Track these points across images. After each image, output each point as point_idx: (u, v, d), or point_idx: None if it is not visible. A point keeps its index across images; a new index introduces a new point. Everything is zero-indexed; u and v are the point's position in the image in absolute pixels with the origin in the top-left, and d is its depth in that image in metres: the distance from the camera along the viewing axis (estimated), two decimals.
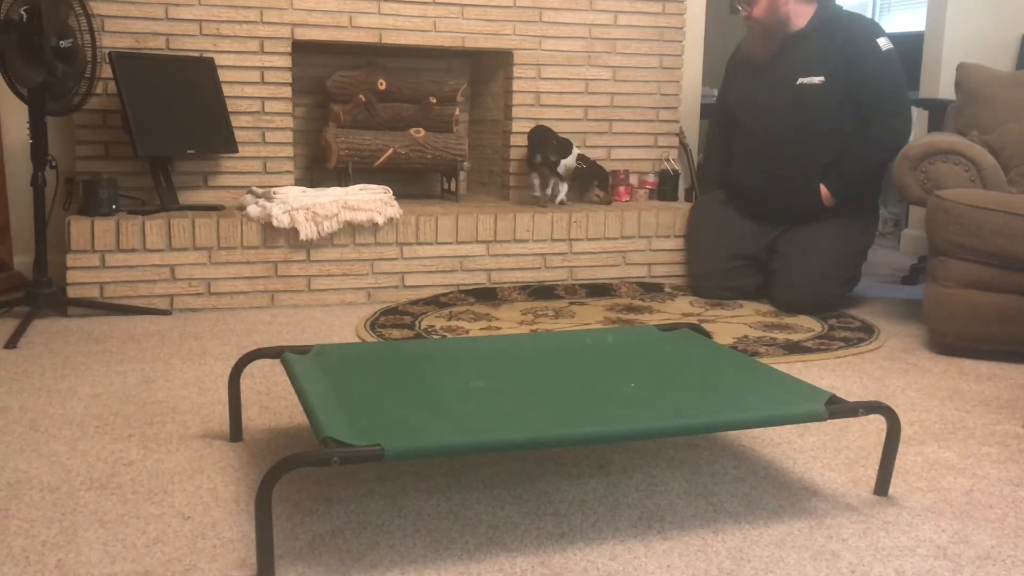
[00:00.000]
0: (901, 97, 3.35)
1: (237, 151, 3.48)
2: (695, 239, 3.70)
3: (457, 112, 3.97)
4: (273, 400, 2.26)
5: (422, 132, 3.84)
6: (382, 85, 3.80)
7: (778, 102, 3.41)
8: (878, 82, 3.30)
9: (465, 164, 4.01)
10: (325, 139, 3.73)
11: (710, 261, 3.57)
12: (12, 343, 2.68)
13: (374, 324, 3.03)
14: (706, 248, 3.62)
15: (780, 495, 1.78)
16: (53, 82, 2.87)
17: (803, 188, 3.39)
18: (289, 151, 3.62)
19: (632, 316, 3.21)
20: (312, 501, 1.70)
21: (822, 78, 3.32)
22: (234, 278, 3.23)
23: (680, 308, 3.36)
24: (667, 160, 4.08)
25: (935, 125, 3.91)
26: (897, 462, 1.90)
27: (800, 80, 3.36)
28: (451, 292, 3.44)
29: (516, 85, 3.86)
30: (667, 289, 3.64)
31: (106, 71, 3.19)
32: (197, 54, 3.43)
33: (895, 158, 3.14)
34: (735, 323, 3.15)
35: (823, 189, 3.36)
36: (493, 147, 4.06)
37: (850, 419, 2.18)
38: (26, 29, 2.80)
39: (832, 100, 3.32)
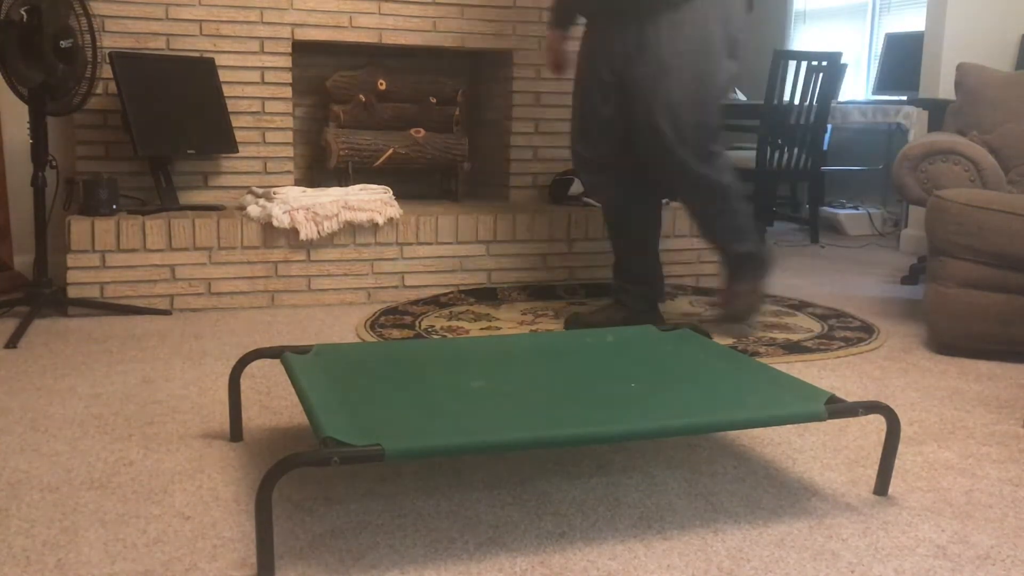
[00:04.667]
0: None
1: (237, 151, 3.48)
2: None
3: (457, 112, 3.97)
4: (273, 400, 2.26)
5: (422, 132, 3.84)
6: (382, 85, 3.80)
7: None
8: None
9: (465, 164, 4.01)
10: (325, 139, 3.73)
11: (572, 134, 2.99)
12: (12, 343, 2.68)
13: (374, 324, 3.03)
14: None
15: (780, 495, 1.78)
16: (53, 82, 2.88)
17: None
18: (289, 151, 3.62)
19: None
20: (312, 501, 1.70)
21: None
22: (234, 278, 3.23)
23: (680, 308, 3.36)
24: None
25: (935, 125, 3.91)
26: (897, 462, 1.90)
27: None
28: (451, 292, 3.44)
29: (516, 85, 3.86)
30: (667, 289, 3.64)
31: (106, 71, 3.19)
32: (197, 54, 3.44)
33: None
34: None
35: None
36: (493, 147, 4.06)
37: (850, 419, 2.18)
38: (26, 29, 2.80)
39: None
